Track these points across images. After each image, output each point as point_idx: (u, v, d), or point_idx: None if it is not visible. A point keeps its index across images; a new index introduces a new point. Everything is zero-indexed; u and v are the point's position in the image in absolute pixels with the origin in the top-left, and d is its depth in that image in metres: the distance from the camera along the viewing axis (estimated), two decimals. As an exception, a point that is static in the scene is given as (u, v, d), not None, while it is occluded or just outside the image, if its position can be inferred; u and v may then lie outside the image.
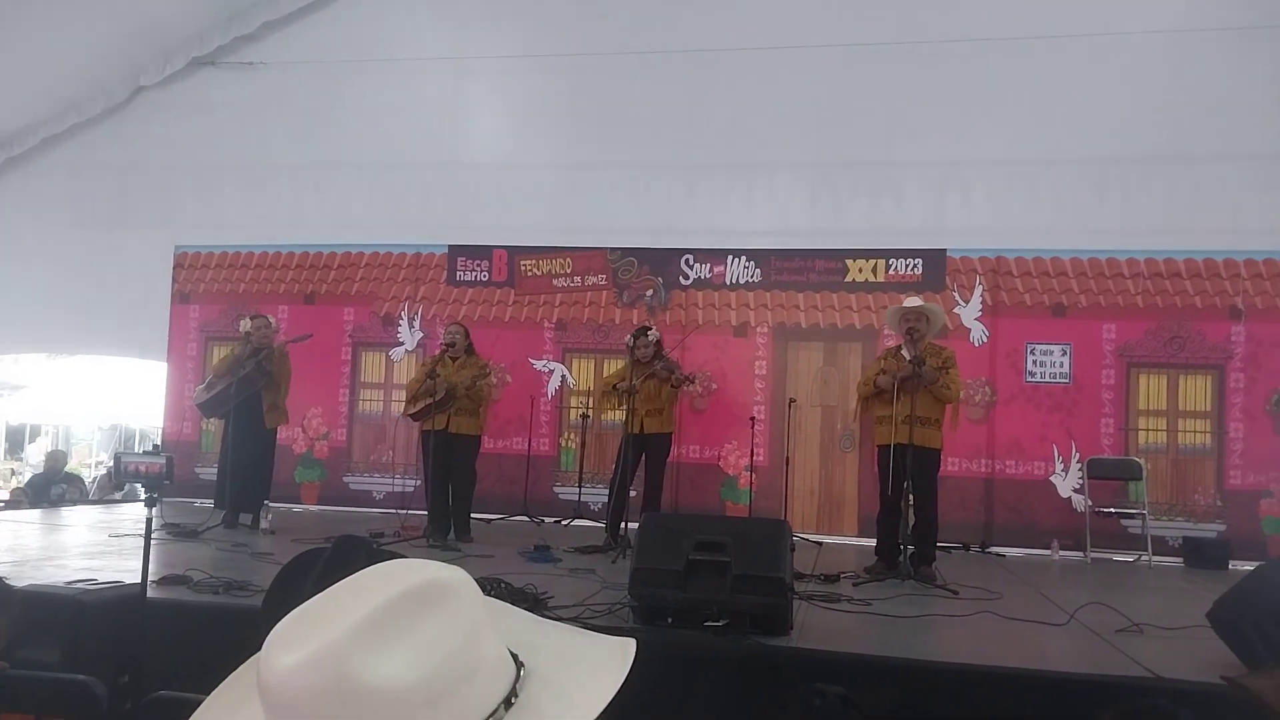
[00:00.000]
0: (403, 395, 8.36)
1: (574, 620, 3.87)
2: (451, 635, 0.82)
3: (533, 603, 4.11)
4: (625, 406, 6.68)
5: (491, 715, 0.81)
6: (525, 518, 8.45)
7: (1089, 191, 8.47)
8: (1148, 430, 8.03)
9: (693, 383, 7.36)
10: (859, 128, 8.88)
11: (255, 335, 7.32)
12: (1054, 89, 8.53)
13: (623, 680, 0.88)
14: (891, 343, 6.82)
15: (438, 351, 7.48)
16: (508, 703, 0.83)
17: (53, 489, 9.75)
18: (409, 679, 0.78)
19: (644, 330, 7.06)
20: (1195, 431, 7.96)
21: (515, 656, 0.88)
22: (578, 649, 0.94)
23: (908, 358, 5.91)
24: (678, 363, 7.14)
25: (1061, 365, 8.16)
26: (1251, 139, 8.21)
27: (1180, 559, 7.61)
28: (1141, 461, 7.77)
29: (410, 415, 7.13)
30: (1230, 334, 7.95)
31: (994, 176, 8.63)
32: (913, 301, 6.35)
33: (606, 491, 7.23)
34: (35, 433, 19.04)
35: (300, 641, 0.78)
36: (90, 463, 16.48)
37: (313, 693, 0.76)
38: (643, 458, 6.88)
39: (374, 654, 0.77)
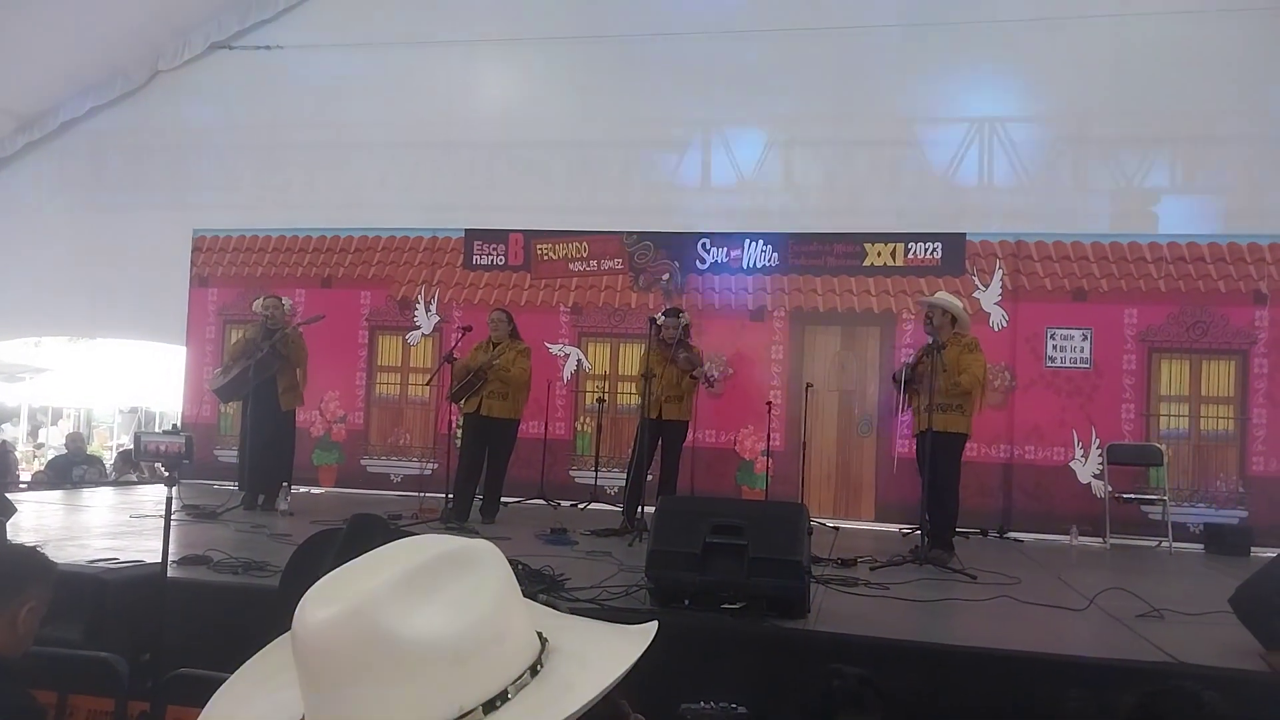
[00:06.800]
0: (419, 379, 8.94)
1: (591, 601, 3.87)
2: (483, 599, 0.84)
3: (550, 584, 4.11)
4: (644, 392, 6.67)
5: (517, 680, 0.83)
6: (541, 501, 8.46)
7: (1110, 174, 8.37)
8: (1169, 416, 7.94)
9: (711, 384, 7.40)
10: (878, 109, 8.79)
11: (269, 316, 7.32)
12: (1072, 71, 8.43)
13: (644, 649, 0.90)
14: (913, 327, 6.79)
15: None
16: (534, 670, 0.85)
17: (74, 470, 9.85)
18: (441, 635, 0.80)
19: (676, 311, 7.06)
20: (1218, 417, 7.88)
21: (540, 634, 0.90)
22: (599, 630, 0.97)
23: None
24: (699, 354, 7.13)
25: (1082, 350, 8.09)
26: (1275, 120, 8.09)
27: (1201, 545, 7.54)
28: (1163, 447, 7.70)
29: (449, 397, 7.19)
30: (1254, 319, 7.85)
31: (1014, 159, 8.54)
32: (942, 297, 6.37)
33: (622, 476, 7.22)
34: (57, 415, 19.25)
35: (335, 598, 0.81)
36: (111, 445, 16.64)
37: (346, 645, 0.78)
38: (659, 443, 6.88)
39: (407, 609, 0.79)
